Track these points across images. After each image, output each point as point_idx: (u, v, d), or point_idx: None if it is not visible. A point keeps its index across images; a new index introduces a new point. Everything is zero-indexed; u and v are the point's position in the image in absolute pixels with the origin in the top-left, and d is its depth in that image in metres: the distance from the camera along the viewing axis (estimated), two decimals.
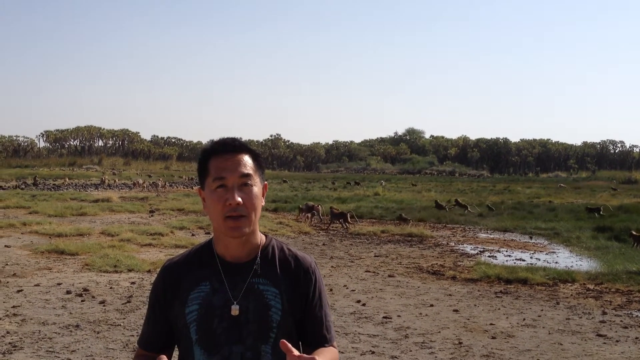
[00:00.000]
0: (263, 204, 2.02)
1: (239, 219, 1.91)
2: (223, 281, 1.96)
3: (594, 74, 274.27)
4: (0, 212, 22.03)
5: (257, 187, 1.97)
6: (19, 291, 9.00)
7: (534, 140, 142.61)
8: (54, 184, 44.09)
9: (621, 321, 8.25)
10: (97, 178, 54.37)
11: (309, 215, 21.65)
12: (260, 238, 2.05)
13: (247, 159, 1.98)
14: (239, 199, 1.90)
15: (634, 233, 16.03)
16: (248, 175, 1.95)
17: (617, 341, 7.26)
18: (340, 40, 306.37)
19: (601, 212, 24.24)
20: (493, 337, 7.33)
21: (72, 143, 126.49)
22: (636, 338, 7.39)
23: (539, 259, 14.15)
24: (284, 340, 1.77)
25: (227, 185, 1.92)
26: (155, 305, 2.04)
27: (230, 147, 1.98)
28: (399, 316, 8.26)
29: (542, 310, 8.84)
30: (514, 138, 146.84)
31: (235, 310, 1.92)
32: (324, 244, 15.99)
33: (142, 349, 2.08)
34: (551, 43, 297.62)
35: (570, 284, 10.89)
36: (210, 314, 1.93)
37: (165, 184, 45.70)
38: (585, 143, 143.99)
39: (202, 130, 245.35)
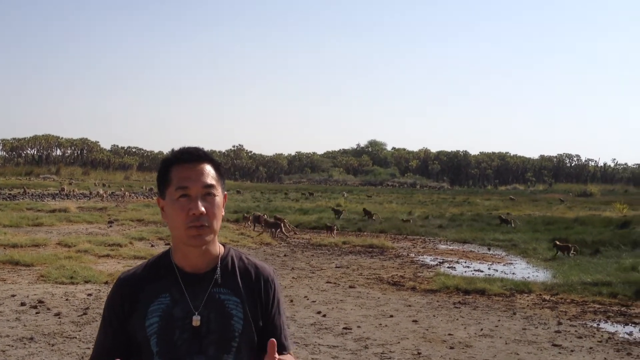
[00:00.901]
0: (223, 214, 2.01)
1: (202, 228, 1.90)
2: (183, 292, 1.94)
3: (551, 89, 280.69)
4: None
5: (219, 197, 1.97)
6: None
7: (493, 153, 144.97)
8: (9, 194, 43.09)
9: (576, 331, 8.43)
10: (55, 188, 53.35)
11: (274, 228, 21.63)
12: (219, 248, 2.04)
13: (209, 169, 1.97)
14: (203, 209, 1.89)
15: (557, 243, 16.88)
16: (211, 186, 1.94)
17: (572, 351, 7.41)
18: (302, 51, 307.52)
19: (512, 225, 25.34)
20: (451, 347, 7.41)
21: (29, 152, 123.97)
22: (590, 348, 7.56)
23: (497, 270, 14.39)
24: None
25: (191, 194, 1.91)
26: (112, 319, 1.99)
27: (193, 157, 1.97)
28: (359, 327, 8.29)
29: (499, 320, 8.98)
30: (474, 151, 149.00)
31: (196, 320, 1.91)
32: (285, 255, 15.97)
33: None
34: (510, 58, 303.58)
35: (526, 295, 11.09)
36: (171, 325, 1.91)
37: (124, 194, 45.06)
38: (542, 156, 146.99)
39: (163, 140, 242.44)
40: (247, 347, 1.96)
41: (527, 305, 10.20)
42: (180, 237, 1.94)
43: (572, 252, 16.36)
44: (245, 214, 25.83)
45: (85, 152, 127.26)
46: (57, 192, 46.59)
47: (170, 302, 1.94)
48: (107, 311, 2.01)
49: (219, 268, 2.00)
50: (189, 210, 1.89)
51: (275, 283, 2.06)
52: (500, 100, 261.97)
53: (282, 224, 20.68)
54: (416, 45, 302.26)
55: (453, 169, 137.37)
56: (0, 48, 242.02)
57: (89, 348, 6.77)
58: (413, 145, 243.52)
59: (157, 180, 2.02)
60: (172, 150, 2.03)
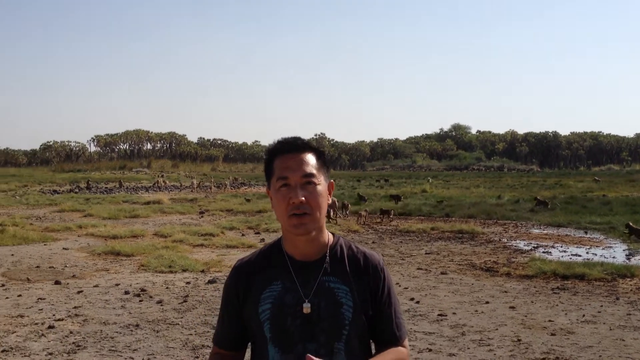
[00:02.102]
0: (329, 202, 2.03)
1: (303, 217, 1.93)
2: (294, 280, 1.99)
3: None
4: (56, 216, 22.71)
5: (321, 185, 1.98)
6: (79, 292, 9.25)
7: (585, 133, 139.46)
8: (106, 188, 45.12)
9: None
10: (148, 181, 55.50)
11: (362, 213, 21.60)
12: (328, 237, 2.06)
13: (310, 158, 1.99)
14: (302, 198, 1.92)
15: (631, 225, 16.50)
16: (311, 175, 1.96)
17: None
18: (382, 37, 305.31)
19: (549, 205, 24.92)
20: (552, 334, 7.19)
21: (121, 147, 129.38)
22: None
23: (596, 254, 13.82)
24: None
25: (290, 184, 1.95)
26: (228, 304, 2.08)
27: (293, 146, 2.00)
28: (454, 313, 8.17)
29: (601, 306, 8.63)
30: (564, 131, 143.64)
31: (307, 308, 1.94)
32: (373, 242, 15.95)
33: (217, 347, 2.13)
34: (598, 35, 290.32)
35: (629, 279, 10.58)
36: (283, 312, 1.96)
37: (226, 184, 46.95)
38: (638, 135, 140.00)
39: (248, 131, 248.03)
40: (358, 335, 1.98)
41: (631, 290, 9.75)
42: (285, 226, 1.99)
43: None
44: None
45: (173, 145, 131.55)
46: (150, 185, 48.47)
47: (282, 289, 1.98)
48: (225, 298, 2.10)
49: (327, 256, 2.02)
50: (289, 199, 1.93)
51: (384, 272, 2.06)
52: (590, 76, 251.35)
53: (334, 208, 20.68)
54: (498, 24, 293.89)
55: (542, 151, 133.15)
56: (93, 49, 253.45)
57: (191, 334, 7.02)
58: (499, 127, 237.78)
59: (264, 172, 2.07)
60: (275, 141, 2.06)
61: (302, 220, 1.93)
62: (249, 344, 2.12)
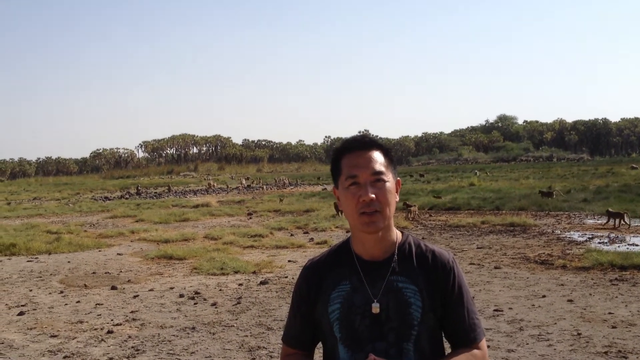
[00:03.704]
0: (397, 199, 2.01)
1: (374, 214, 1.91)
2: (362, 280, 1.97)
3: None
4: (109, 222, 23.21)
5: (390, 182, 1.97)
6: (135, 296, 9.41)
7: (636, 118, 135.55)
8: (155, 192, 45.94)
9: None
10: (195, 184, 56.31)
11: (411, 209, 21.44)
12: (397, 235, 2.04)
13: (378, 155, 1.98)
14: (372, 195, 1.91)
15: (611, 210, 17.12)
16: (380, 172, 1.95)
17: None
18: (423, 30, 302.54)
19: (554, 196, 24.47)
20: (613, 327, 6.99)
21: (168, 152, 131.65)
22: None
23: None
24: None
25: (360, 182, 1.93)
26: (300, 304, 2.09)
27: (360, 144, 1.99)
28: (510, 308, 8.02)
29: None
30: (614, 118, 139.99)
31: (375, 308, 1.93)
32: (423, 238, 15.77)
33: (287, 346, 2.14)
34: None
35: None
36: (352, 312, 1.95)
37: (284, 182, 47.71)
38: None
39: (291, 130, 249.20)
40: (427, 335, 1.95)
41: None
42: (354, 225, 1.98)
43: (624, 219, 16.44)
44: None
45: (219, 148, 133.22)
46: (199, 188, 49.22)
47: (351, 289, 1.98)
48: (295, 297, 2.12)
49: (396, 255, 2.00)
50: (359, 197, 1.92)
51: (455, 270, 2.01)
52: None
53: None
54: (543, 12, 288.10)
55: (592, 139, 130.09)
56: (134, 59, 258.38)
57: (247, 336, 7.06)
58: (546, 116, 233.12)
59: (331, 171, 2.06)
60: (343, 140, 2.07)
61: (372, 219, 1.91)
62: (319, 343, 2.13)
